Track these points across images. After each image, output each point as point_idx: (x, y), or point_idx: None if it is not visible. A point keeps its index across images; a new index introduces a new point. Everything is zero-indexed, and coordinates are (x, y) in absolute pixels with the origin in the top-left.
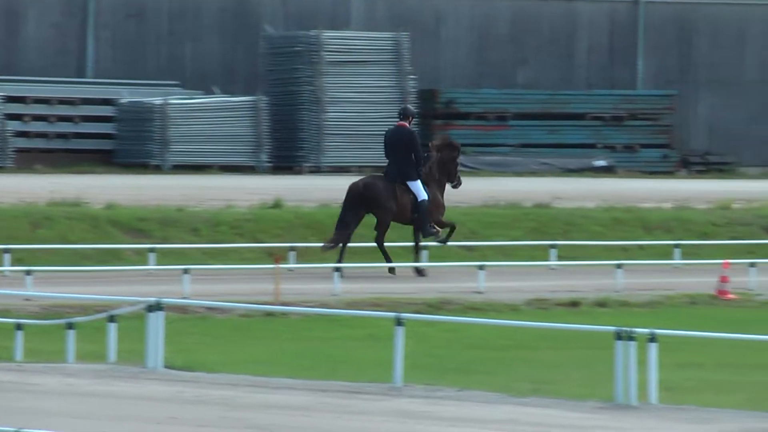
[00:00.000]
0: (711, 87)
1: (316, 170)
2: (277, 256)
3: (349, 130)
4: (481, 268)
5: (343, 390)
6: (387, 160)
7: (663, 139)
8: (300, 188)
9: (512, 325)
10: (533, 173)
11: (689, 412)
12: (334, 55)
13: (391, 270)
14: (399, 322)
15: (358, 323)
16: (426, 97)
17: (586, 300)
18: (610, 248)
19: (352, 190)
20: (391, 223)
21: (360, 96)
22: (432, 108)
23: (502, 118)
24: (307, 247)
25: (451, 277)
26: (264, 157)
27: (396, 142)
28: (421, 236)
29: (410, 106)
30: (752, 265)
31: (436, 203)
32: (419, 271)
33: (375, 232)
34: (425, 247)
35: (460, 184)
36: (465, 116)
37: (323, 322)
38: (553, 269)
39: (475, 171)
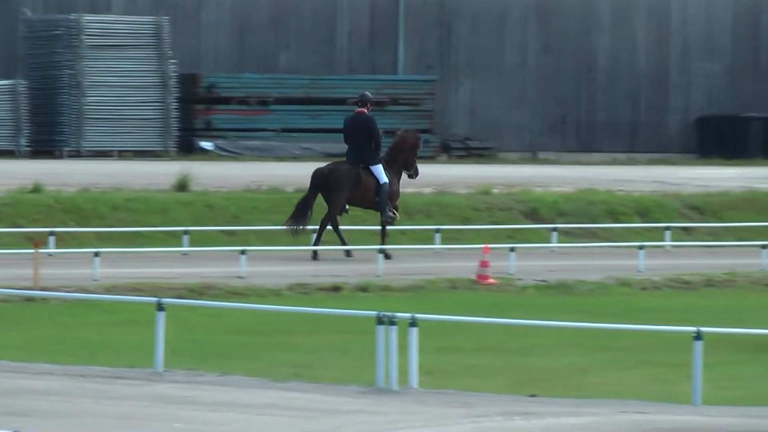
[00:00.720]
0: (471, 72)
1: (76, 154)
2: (36, 241)
3: (110, 114)
4: (242, 252)
5: (103, 375)
6: (346, 146)
7: (424, 123)
8: (60, 172)
9: (273, 309)
10: (295, 158)
11: (450, 396)
12: (94, 39)
13: (348, 253)
14: (160, 307)
15: (118, 308)
16: (187, 81)
17: (348, 285)
18: (372, 233)
19: (318, 176)
20: (348, 208)
21: (120, 80)
22: (193, 92)
23: (263, 102)
24: (66, 232)
25: (212, 261)
26: (23, 141)
27: (355, 129)
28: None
29: (368, 93)
30: (512, 249)
31: (394, 188)
32: (387, 255)
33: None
34: (186, 232)
35: (417, 174)
36: (227, 101)
37: (83, 307)
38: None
39: (236, 156)
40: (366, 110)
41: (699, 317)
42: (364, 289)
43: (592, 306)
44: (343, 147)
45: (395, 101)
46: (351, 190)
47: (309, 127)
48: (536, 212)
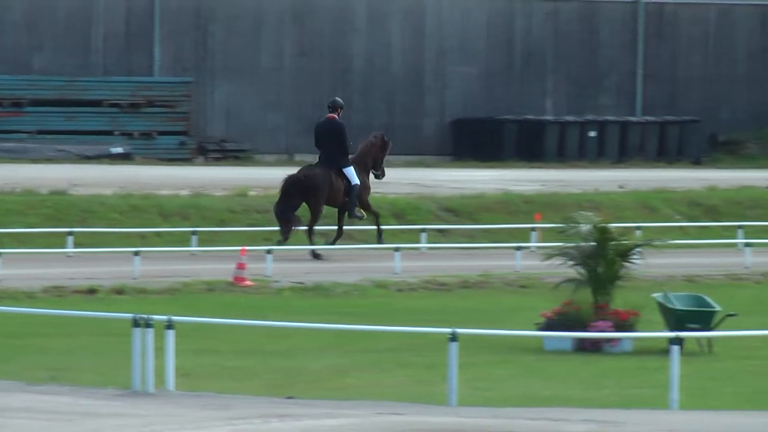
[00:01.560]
0: (228, 75)
1: None
2: None
3: None
4: None
5: None
6: (318, 150)
7: (180, 126)
8: None
9: (27, 312)
10: (50, 160)
11: (207, 399)
12: None
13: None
14: None
15: None
16: None
17: (104, 287)
18: (128, 235)
19: (293, 181)
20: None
21: None
22: None
23: (17, 104)
24: None
25: None
26: None
27: (326, 133)
28: (346, 218)
29: (339, 99)
30: (269, 251)
31: (364, 188)
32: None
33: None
34: None
35: (384, 175)
36: None
37: None
38: (70, 256)
39: None
40: (337, 115)
41: (455, 318)
42: (120, 291)
43: (348, 308)
44: (100, 149)
45: (151, 103)
46: (327, 191)
47: (64, 129)
48: None
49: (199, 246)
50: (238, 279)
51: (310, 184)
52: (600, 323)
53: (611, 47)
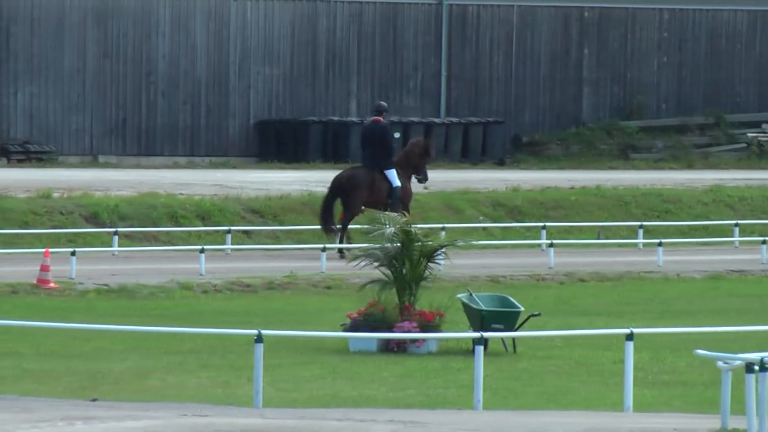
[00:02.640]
0: (30, 76)
1: None
2: None
3: None
4: None
5: None
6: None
7: None
8: None
9: None
10: None
11: (8, 401)
12: None
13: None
14: None
15: None
16: None
17: None
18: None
19: (337, 181)
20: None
21: None
22: None
23: None
24: None
25: None
26: None
27: (371, 135)
28: None
29: (384, 103)
30: (73, 253)
31: (405, 191)
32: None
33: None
34: None
35: (427, 179)
36: None
37: None
38: None
39: None
40: (382, 118)
41: (260, 320)
42: None
43: (153, 309)
44: None
45: None
46: (367, 192)
47: None
48: (97, 216)
49: (2, 248)
50: (42, 281)
51: (350, 183)
52: (405, 324)
53: (415, 48)
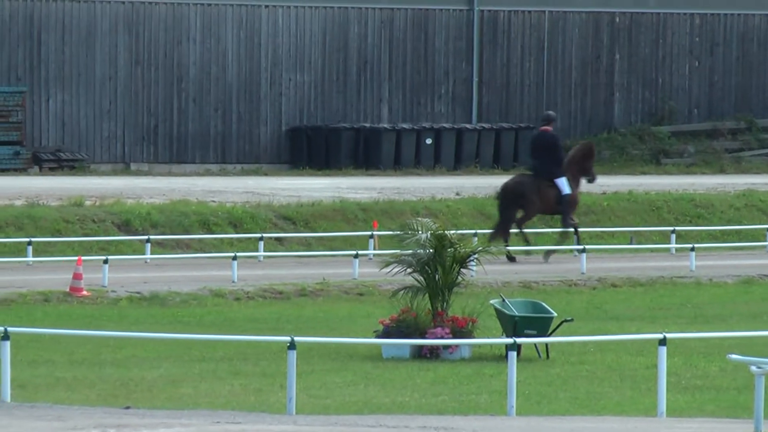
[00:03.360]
0: (62, 84)
1: None
2: None
3: None
4: None
5: None
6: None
7: (14, 135)
8: None
9: None
10: None
11: (42, 410)
12: None
13: (547, 254)
14: None
15: None
16: None
17: None
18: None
19: (504, 190)
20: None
21: None
22: None
23: None
24: None
25: None
26: None
27: (541, 145)
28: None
29: (552, 113)
30: (105, 261)
31: (573, 198)
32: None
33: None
34: None
35: (595, 179)
36: None
37: None
38: None
39: None
40: (550, 127)
41: (292, 327)
42: None
43: (186, 317)
44: None
45: None
46: (536, 198)
47: None
48: (129, 224)
49: (35, 256)
50: (75, 289)
51: (518, 191)
52: (437, 330)
53: (446, 54)
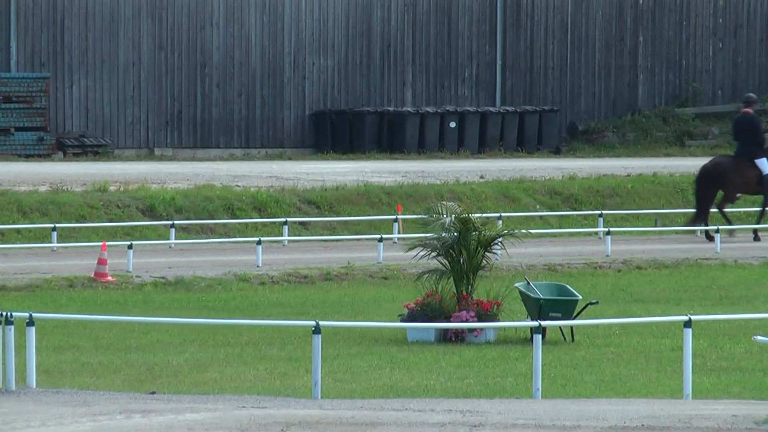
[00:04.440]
0: (85, 69)
1: None
2: None
3: None
4: None
5: None
6: (736, 142)
7: (38, 121)
8: None
9: None
10: None
11: (68, 395)
12: None
13: (732, 233)
14: None
15: None
16: None
17: None
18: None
19: (702, 172)
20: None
21: None
22: None
23: None
24: None
25: None
26: None
27: (742, 126)
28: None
29: (753, 95)
30: (130, 246)
31: None
32: (756, 234)
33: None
34: None
35: None
36: None
37: None
38: None
39: None
40: (751, 110)
41: (317, 311)
42: None
43: (211, 302)
44: None
45: (8, 99)
46: (736, 177)
47: None
48: (154, 209)
49: (59, 242)
50: (100, 275)
51: (717, 172)
52: (462, 313)
53: (470, 38)
